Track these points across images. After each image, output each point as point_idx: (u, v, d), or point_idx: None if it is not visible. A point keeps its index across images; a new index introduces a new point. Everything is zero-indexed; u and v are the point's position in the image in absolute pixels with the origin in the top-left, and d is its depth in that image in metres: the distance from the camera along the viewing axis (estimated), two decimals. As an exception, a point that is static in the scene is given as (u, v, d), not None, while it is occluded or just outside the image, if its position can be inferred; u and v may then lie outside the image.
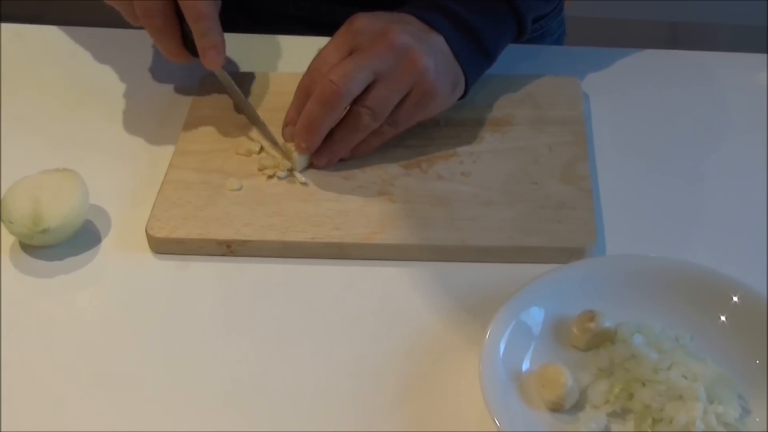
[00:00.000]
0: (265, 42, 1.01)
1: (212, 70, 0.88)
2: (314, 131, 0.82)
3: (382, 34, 0.82)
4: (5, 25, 1.04)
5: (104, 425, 0.69)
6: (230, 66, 0.96)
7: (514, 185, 0.83)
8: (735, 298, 0.71)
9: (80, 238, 0.81)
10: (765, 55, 0.97)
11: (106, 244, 0.81)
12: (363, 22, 0.83)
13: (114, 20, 0.88)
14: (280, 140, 0.86)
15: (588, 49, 1.00)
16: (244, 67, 0.97)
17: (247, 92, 0.92)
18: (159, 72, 0.98)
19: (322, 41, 0.85)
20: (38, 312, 0.77)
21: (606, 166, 0.86)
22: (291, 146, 0.84)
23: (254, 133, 0.88)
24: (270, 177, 0.84)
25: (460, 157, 0.85)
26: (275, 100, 0.91)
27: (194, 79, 0.95)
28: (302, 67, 0.84)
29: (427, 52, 0.82)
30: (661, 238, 0.80)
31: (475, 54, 0.87)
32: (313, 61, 0.84)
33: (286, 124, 0.85)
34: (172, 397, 0.71)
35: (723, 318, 0.71)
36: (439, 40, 0.84)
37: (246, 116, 0.90)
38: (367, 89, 0.81)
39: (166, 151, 0.88)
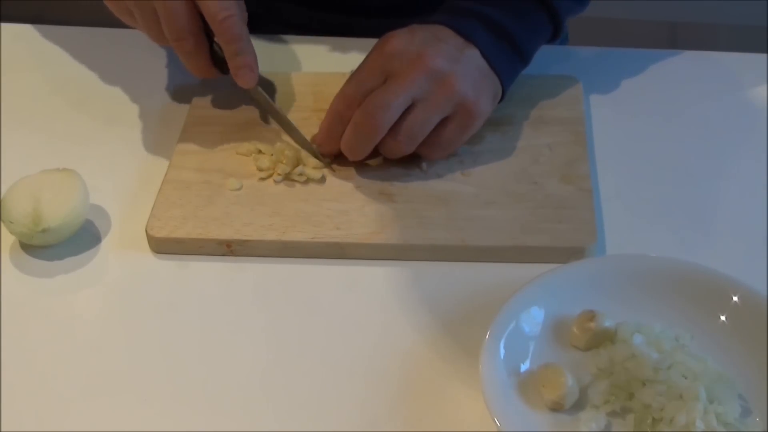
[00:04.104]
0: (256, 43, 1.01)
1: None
2: (355, 157, 0.83)
3: (417, 58, 0.80)
4: (5, 25, 1.04)
5: (104, 425, 0.69)
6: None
7: (514, 185, 0.83)
8: (735, 298, 0.71)
9: (80, 238, 0.81)
10: (765, 55, 0.97)
11: (106, 244, 0.81)
12: (397, 45, 0.81)
13: (114, 20, 0.88)
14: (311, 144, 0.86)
15: (588, 49, 1.00)
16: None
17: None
18: (159, 72, 0.98)
19: (312, 41, 0.84)
20: (38, 312, 0.77)
21: (606, 166, 0.86)
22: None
23: (285, 138, 0.88)
24: (263, 179, 0.84)
25: (460, 156, 0.85)
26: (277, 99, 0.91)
27: (194, 79, 0.94)
28: (297, 67, 0.83)
29: (464, 75, 0.81)
30: (661, 238, 0.80)
31: (511, 59, 0.86)
32: (345, 85, 0.82)
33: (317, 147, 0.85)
34: (171, 396, 0.71)
35: (723, 318, 0.71)
36: (474, 55, 0.83)
37: (279, 124, 0.89)
38: (404, 113, 0.80)
39: (166, 151, 0.88)
